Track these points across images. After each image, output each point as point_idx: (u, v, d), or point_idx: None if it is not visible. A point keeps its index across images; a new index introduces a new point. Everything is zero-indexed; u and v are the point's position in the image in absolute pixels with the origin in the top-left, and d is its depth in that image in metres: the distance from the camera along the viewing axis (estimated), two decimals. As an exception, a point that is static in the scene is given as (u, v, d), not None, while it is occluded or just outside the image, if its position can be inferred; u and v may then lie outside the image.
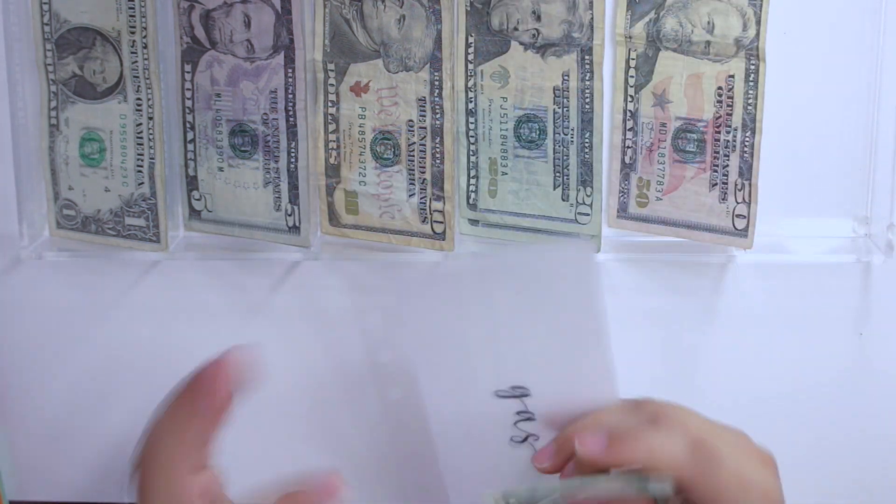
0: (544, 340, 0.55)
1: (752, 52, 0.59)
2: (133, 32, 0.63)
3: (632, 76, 0.62)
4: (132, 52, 0.63)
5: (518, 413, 0.54)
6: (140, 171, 0.64)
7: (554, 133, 0.62)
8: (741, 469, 0.51)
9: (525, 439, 0.55)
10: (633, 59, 0.62)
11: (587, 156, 0.61)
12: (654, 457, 0.51)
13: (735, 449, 0.52)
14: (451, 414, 0.55)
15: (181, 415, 0.49)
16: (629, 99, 0.62)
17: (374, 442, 0.68)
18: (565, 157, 0.62)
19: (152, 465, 0.48)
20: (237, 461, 0.69)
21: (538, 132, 0.62)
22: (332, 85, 0.63)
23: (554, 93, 0.61)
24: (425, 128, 0.62)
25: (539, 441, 0.54)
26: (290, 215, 0.64)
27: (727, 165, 0.61)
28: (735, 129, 0.60)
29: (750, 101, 0.60)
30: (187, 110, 0.64)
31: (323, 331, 0.68)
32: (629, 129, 0.63)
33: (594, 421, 0.54)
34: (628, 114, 0.62)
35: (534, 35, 0.61)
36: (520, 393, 0.53)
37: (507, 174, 0.63)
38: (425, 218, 0.63)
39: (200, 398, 0.48)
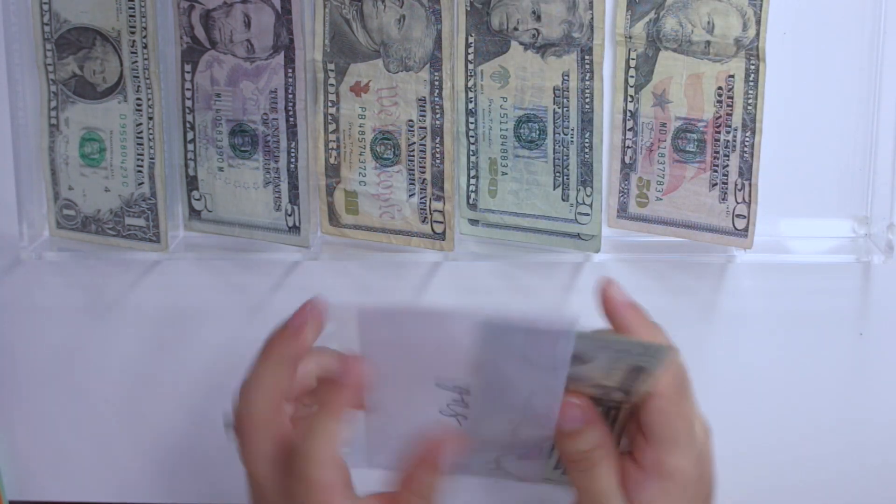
0: None
1: (752, 52, 0.59)
2: (133, 32, 0.63)
3: (632, 76, 0.62)
4: (132, 52, 0.63)
5: (454, 399, 0.54)
6: (140, 171, 0.64)
7: (554, 133, 0.62)
8: (697, 411, 0.52)
9: (454, 416, 0.55)
10: (633, 59, 0.62)
11: (587, 156, 0.61)
12: (635, 329, 0.52)
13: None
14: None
15: (272, 358, 0.52)
16: (629, 99, 0.62)
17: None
18: (565, 157, 0.62)
19: (249, 400, 0.52)
20: (231, 461, 0.69)
21: (538, 132, 0.62)
22: (332, 85, 0.63)
23: (554, 93, 0.61)
24: (425, 128, 0.62)
25: (467, 420, 0.55)
26: (290, 215, 0.64)
27: (727, 165, 0.61)
28: (735, 129, 0.60)
29: (750, 101, 0.60)
30: (187, 110, 0.64)
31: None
32: (629, 129, 0.63)
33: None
34: (628, 114, 0.62)
35: (534, 35, 0.61)
36: (459, 390, 0.53)
37: (507, 174, 0.63)
38: (425, 218, 0.63)
39: (286, 341, 0.52)
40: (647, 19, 0.61)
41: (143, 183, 0.64)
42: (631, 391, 0.52)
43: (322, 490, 0.50)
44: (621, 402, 0.53)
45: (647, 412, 0.51)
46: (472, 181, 0.64)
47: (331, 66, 0.63)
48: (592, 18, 0.60)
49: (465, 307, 0.51)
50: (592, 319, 0.66)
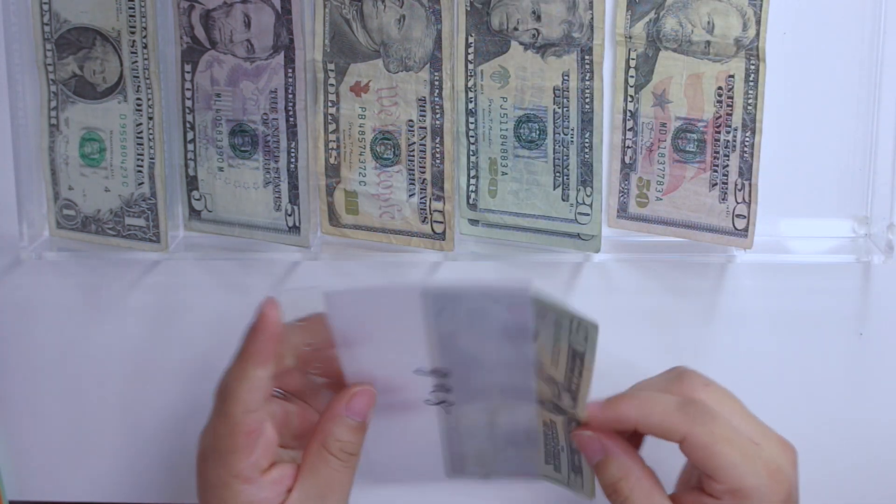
0: None
1: (752, 52, 0.59)
2: (133, 32, 0.63)
3: (632, 76, 0.62)
4: (132, 52, 0.63)
5: (436, 385, 0.54)
6: (140, 171, 0.64)
7: (554, 133, 0.62)
8: (738, 428, 0.52)
9: (440, 403, 0.55)
10: (633, 59, 0.62)
11: (587, 156, 0.61)
12: (644, 412, 0.52)
13: (741, 420, 0.53)
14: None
15: (240, 356, 0.53)
16: (629, 99, 0.62)
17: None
18: (565, 157, 0.62)
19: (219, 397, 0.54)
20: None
21: (538, 132, 0.62)
22: (332, 85, 0.63)
23: (554, 93, 0.61)
24: (425, 128, 0.62)
25: (454, 406, 0.55)
26: (290, 215, 0.64)
27: (727, 165, 0.61)
28: (735, 129, 0.60)
29: (750, 101, 0.60)
30: (187, 110, 0.64)
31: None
32: (629, 129, 0.63)
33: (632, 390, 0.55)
34: (628, 114, 0.62)
35: (534, 35, 0.61)
36: (438, 374, 0.53)
37: (507, 174, 0.63)
38: (425, 218, 0.63)
39: (252, 339, 0.52)
40: (647, 19, 0.61)
41: (143, 183, 0.64)
42: (576, 397, 0.52)
43: (242, 431, 0.52)
44: (571, 416, 0.53)
45: (688, 452, 0.52)
46: (472, 181, 0.64)
47: (331, 66, 0.63)
48: (592, 18, 0.60)
49: (420, 279, 0.51)
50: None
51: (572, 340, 0.50)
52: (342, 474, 0.54)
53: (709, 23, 0.60)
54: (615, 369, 0.65)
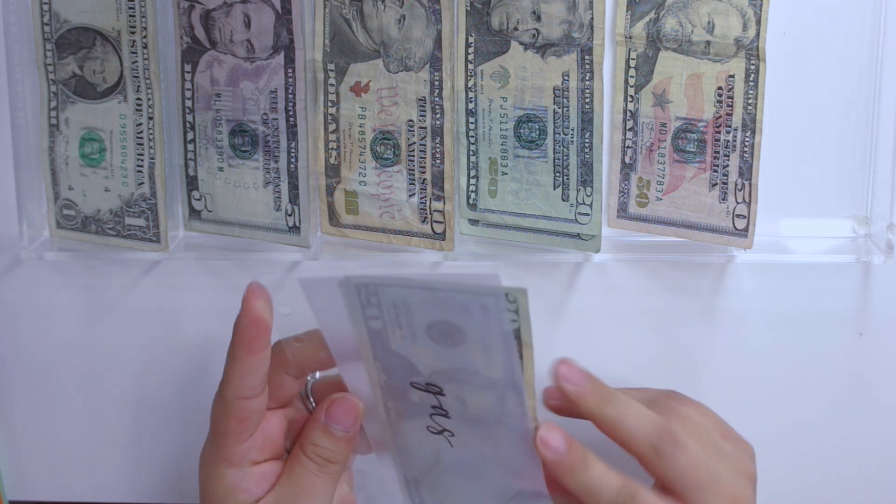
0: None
1: (752, 52, 0.59)
2: (133, 32, 0.63)
3: (632, 76, 0.62)
4: (132, 52, 0.63)
5: (433, 407, 0.53)
6: (140, 171, 0.64)
7: (554, 133, 0.62)
8: (705, 462, 0.53)
9: (440, 432, 0.54)
10: (633, 59, 0.62)
11: (587, 156, 0.61)
12: (620, 422, 0.52)
13: (712, 452, 0.54)
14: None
15: (231, 342, 0.52)
16: (629, 99, 0.62)
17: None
18: (565, 157, 0.62)
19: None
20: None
21: (538, 132, 0.62)
22: (332, 85, 0.63)
23: (554, 93, 0.61)
24: (425, 128, 0.62)
25: (454, 437, 0.54)
26: (290, 215, 0.64)
27: (727, 165, 0.61)
28: (735, 129, 0.60)
29: (750, 101, 0.60)
30: (187, 110, 0.64)
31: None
32: (629, 129, 0.63)
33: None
34: (628, 114, 0.62)
35: (534, 35, 0.61)
36: (434, 390, 0.53)
37: (507, 174, 0.63)
38: (425, 218, 0.63)
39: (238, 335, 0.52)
40: (647, 19, 0.61)
41: (143, 183, 0.64)
42: (521, 390, 0.50)
43: (233, 416, 0.53)
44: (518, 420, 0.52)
45: (653, 472, 0.53)
46: (472, 181, 0.64)
47: (331, 66, 0.63)
48: (592, 18, 0.60)
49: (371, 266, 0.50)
50: (592, 319, 0.66)
51: (503, 320, 0.47)
52: (318, 480, 0.53)
53: (709, 23, 0.60)
54: (616, 369, 0.65)
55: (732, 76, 0.60)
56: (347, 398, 0.54)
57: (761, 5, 0.59)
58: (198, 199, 0.66)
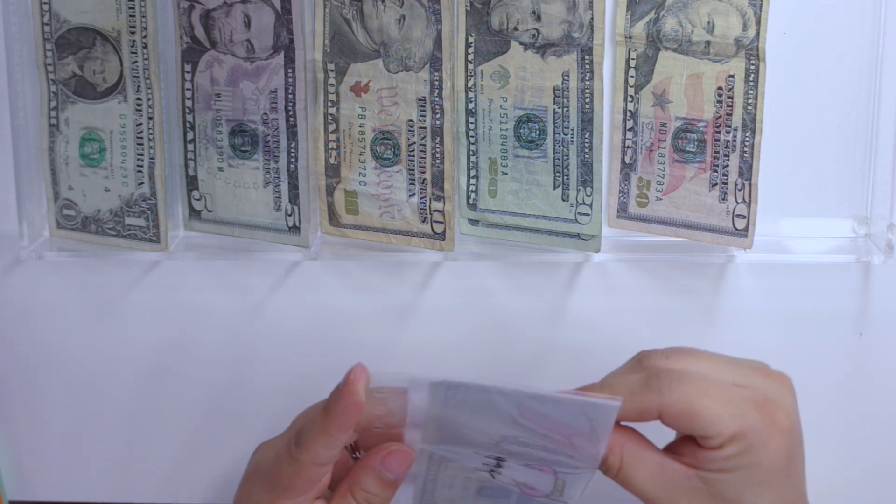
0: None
1: (752, 52, 0.59)
2: (133, 32, 0.63)
3: (632, 76, 0.62)
4: (132, 52, 0.63)
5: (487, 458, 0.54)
6: (140, 171, 0.64)
7: (554, 133, 0.62)
8: (713, 378, 0.52)
9: (489, 471, 0.55)
10: (633, 59, 0.62)
11: (587, 156, 0.61)
12: (611, 390, 0.52)
13: (716, 369, 0.53)
14: None
15: (326, 413, 0.52)
16: (629, 99, 0.62)
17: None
18: (565, 157, 0.62)
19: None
20: (231, 462, 0.69)
21: (538, 132, 0.62)
22: (332, 85, 0.63)
23: (554, 93, 0.61)
24: (425, 128, 0.62)
25: (500, 469, 0.55)
26: (290, 215, 0.64)
27: (727, 165, 0.61)
28: (735, 129, 0.60)
29: (750, 101, 0.60)
30: (187, 110, 0.64)
31: (323, 331, 0.68)
32: (629, 129, 0.63)
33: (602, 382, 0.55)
34: (628, 114, 0.62)
35: (534, 35, 0.61)
36: (495, 457, 0.54)
37: (507, 174, 0.63)
38: (425, 218, 0.63)
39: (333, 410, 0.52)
40: (647, 19, 0.61)
41: (143, 183, 0.64)
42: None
43: (305, 477, 0.52)
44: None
45: (670, 422, 0.52)
46: (472, 181, 0.64)
47: (331, 66, 0.63)
48: (592, 18, 0.60)
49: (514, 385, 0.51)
50: (592, 319, 0.66)
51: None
52: None
53: (709, 23, 0.60)
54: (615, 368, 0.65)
55: (732, 76, 0.60)
56: (405, 451, 0.54)
57: (761, 5, 0.59)
58: (198, 199, 0.66)
